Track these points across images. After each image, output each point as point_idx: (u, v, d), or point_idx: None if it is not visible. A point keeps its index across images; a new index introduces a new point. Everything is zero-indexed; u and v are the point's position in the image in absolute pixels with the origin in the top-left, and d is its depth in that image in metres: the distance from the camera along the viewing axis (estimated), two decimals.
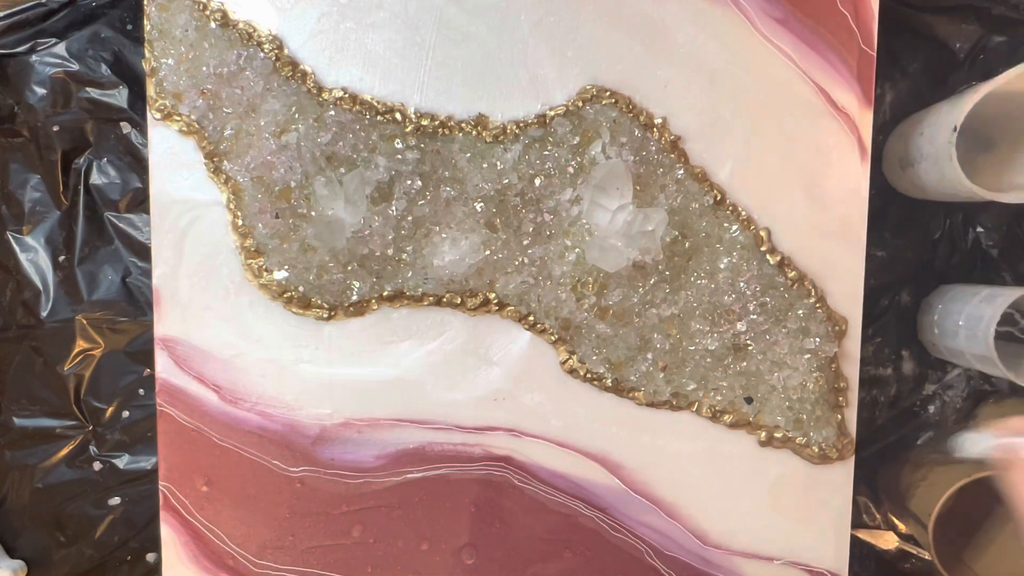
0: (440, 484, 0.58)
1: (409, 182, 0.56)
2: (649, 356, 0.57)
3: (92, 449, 0.64)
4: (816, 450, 0.58)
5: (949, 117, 0.54)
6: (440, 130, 0.56)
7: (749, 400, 0.58)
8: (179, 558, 0.58)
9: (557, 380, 0.58)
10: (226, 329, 0.57)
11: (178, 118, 0.56)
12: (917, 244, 0.65)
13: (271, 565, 0.58)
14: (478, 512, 0.58)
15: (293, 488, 0.58)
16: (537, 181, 0.56)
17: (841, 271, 0.58)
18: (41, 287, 0.64)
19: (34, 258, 0.64)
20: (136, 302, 0.64)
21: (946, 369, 0.66)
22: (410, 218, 0.56)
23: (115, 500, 0.65)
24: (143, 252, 0.64)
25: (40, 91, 0.62)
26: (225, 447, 0.57)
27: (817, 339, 0.57)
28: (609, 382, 0.57)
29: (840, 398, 0.58)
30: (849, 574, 0.59)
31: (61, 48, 0.62)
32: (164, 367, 0.57)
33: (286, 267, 0.56)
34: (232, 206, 0.56)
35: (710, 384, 0.58)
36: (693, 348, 0.57)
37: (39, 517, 0.65)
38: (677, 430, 0.58)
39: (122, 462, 0.64)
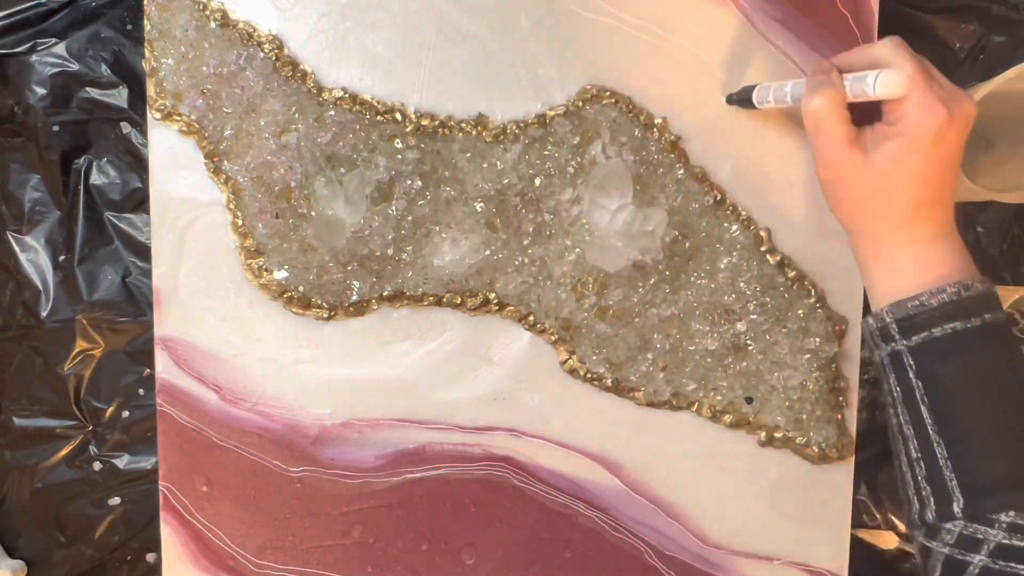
0: (440, 484, 0.58)
1: (409, 182, 0.56)
2: (649, 356, 0.57)
3: (92, 449, 0.64)
4: (816, 450, 0.58)
5: None
6: (440, 130, 0.56)
7: (749, 400, 0.58)
8: (179, 558, 0.58)
9: (557, 380, 0.58)
10: (226, 329, 0.57)
11: (178, 118, 0.56)
12: None
13: (271, 565, 0.58)
14: (478, 512, 0.58)
15: (293, 488, 0.58)
16: (537, 181, 0.56)
17: (841, 271, 0.58)
18: (41, 287, 0.64)
19: (34, 258, 0.64)
20: (136, 302, 0.64)
21: None
22: (410, 218, 0.56)
23: (115, 500, 0.65)
24: (143, 252, 0.64)
25: (40, 91, 0.62)
26: (225, 447, 0.57)
27: (817, 339, 0.57)
28: (609, 382, 0.57)
29: (840, 398, 0.58)
30: (849, 574, 0.59)
31: (61, 48, 0.62)
32: (164, 367, 0.57)
33: (286, 267, 0.56)
34: (232, 206, 0.56)
35: (710, 384, 0.58)
36: (693, 348, 0.57)
37: (39, 517, 0.65)
38: (677, 430, 0.58)
39: (122, 462, 0.64)
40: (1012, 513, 0.39)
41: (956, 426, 0.41)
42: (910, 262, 0.44)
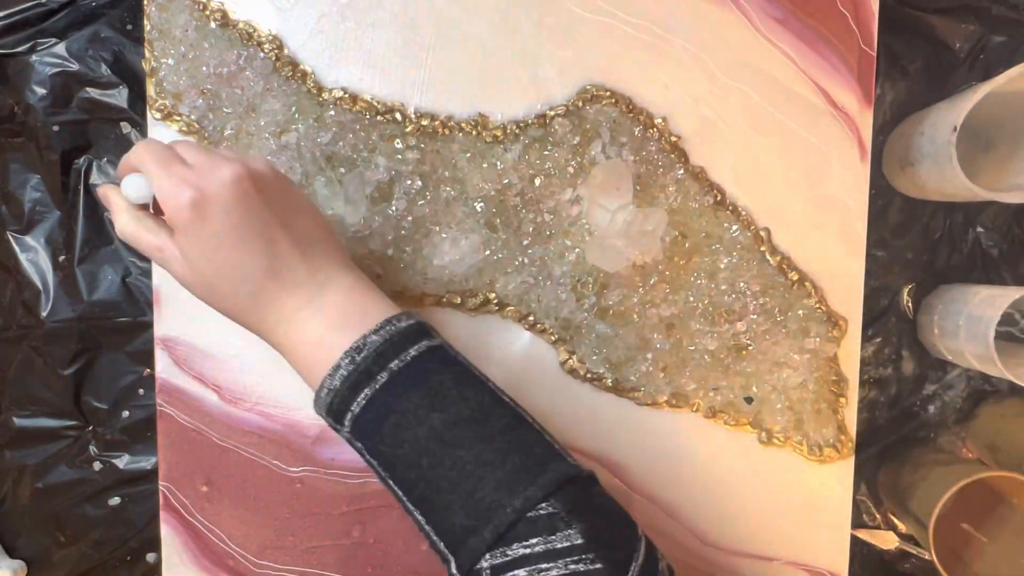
0: None
1: (409, 182, 0.56)
2: (649, 356, 0.57)
3: (92, 449, 0.64)
4: (816, 450, 0.58)
5: (949, 117, 0.54)
6: (440, 130, 0.56)
7: (749, 400, 0.58)
8: (179, 558, 0.58)
9: (557, 380, 0.58)
10: (226, 329, 0.57)
11: (178, 118, 0.56)
12: (917, 244, 0.65)
13: (271, 565, 0.58)
14: None
15: (293, 488, 0.58)
16: (537, 181, 0.56)
17: (841, 271, 0.58)
18: (41, 287, 0.63)
19: (34, 258, 0.63)
20: (136, 302, 0.64)
21: (946, 369, 0.66)
22: (410, 218, 0.56)
23: (115, 500, 0.65)
24: None
25: (40, 91, 0.62)
26: (225, 447, 0.57)
27: (817, 339, 0.57)
28: (609, 382, 0.57)
29: (840, 398, 0.58)
30: (849, 574, 0.59)
31: (61, 48, 0.62)
32: (164, 367, 0.57)
33: None
34: None
35: (710, 384, 0.58)
36: (693, 348, 0.57)
37: (39, 517, 0.65)
38: (677, 430, 0.58)
39: (122, 462, 0.64)
40: (488, 557, 0.38)
41: (417, 491, 0.41)
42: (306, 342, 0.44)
